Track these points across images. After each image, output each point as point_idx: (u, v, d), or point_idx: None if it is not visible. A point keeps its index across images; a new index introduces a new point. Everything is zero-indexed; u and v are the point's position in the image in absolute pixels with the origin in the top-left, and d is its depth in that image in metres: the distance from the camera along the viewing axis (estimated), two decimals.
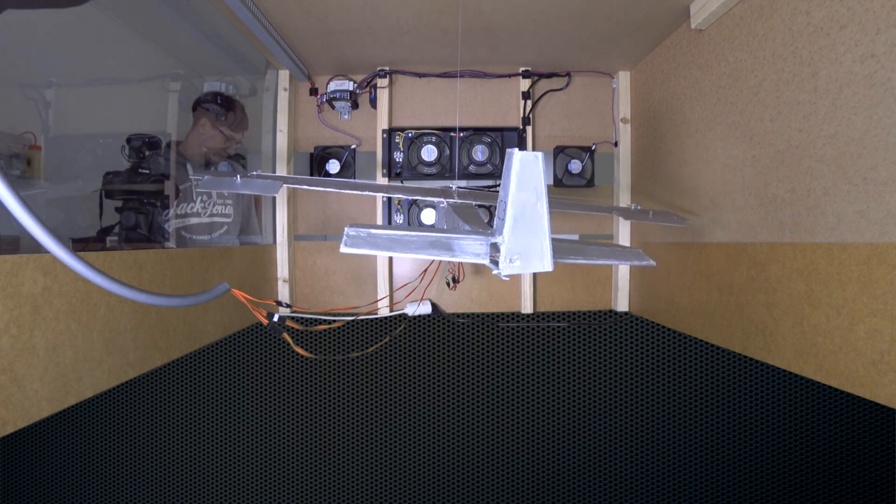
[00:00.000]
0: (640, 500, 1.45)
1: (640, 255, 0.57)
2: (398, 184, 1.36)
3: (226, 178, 0.80)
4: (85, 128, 1.25)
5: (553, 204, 1.05)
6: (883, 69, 0.59)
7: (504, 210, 0.46)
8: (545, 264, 0.45)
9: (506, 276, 0.47)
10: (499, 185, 1.56)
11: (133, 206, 1.10)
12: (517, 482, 1.47)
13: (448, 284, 1.22)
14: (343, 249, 0.45)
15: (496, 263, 0.48)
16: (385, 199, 1.37)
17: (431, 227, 0.56)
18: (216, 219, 1.32)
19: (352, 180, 1.35)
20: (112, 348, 0.73)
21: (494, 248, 0.48)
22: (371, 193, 0.86)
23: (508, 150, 0.46)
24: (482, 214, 0.86)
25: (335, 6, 0.98)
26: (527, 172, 0.43)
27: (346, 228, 0.47)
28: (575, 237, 1.45)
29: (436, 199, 0.90)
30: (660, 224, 1.13)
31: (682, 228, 1.08)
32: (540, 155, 0.44)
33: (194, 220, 1.30)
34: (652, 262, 0.57)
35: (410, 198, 1.33)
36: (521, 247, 0.46)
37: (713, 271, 0.95)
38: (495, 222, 0.49)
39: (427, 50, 1.22)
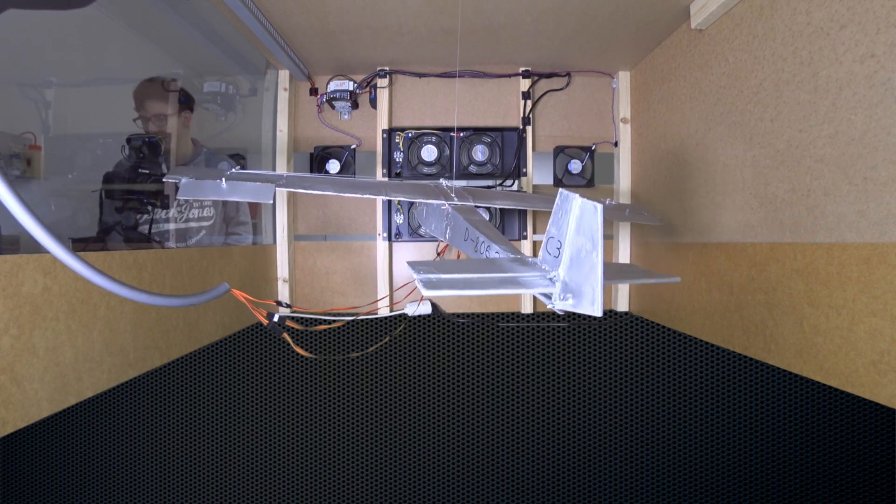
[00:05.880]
0: (640, 500, 1.45)
1: (662, 276, 0.61)
2: (396, 181, 1.36)
3: (209, 181, 0.68)
4: (85, 128, 1.25)
5: (533, 200, 1.04)
6: (883, 69, 0.59)
7: (557, 248, 0.47)
8: (595, 309, 0.45)
9: (560, 310, 0.48)
10: (499, 186, 1.53)
11: (132, 206, 1.10)
12: (517, 482, 1.47)
13: None
14: (426, 293, 0.45)
15: (548, 297, 0.48)
16: (385, 199, 1.37)
17: (496, 266, 0.56)
18: (192, 224, 1.25)
19: (347, 178, 1.33)
20: (112, 348, 0.73)
21: (549, 279, 0.48)
22: (370, 196, 0.85)
23: (564, 192, 0.45)
24: (483, 215, 0.86)
25: (335, 6, 0.98)
26: (586, 221, 0.44)
27: (416, 276, 0.46)
28: None
29: (436, 202, 0.90)
30: (660, 224, 1.13)
31: (683, 229, 1.08)
32: (600, 207, 0.43)
33: (170, 226, 1.22)
34: (676, 279, 0.61)
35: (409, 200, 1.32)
36: (574, 287, 0.46)
37: (713, 271, 0.95)
38: (542, 254, 0.49)
39: (427, 50, 1.22)
